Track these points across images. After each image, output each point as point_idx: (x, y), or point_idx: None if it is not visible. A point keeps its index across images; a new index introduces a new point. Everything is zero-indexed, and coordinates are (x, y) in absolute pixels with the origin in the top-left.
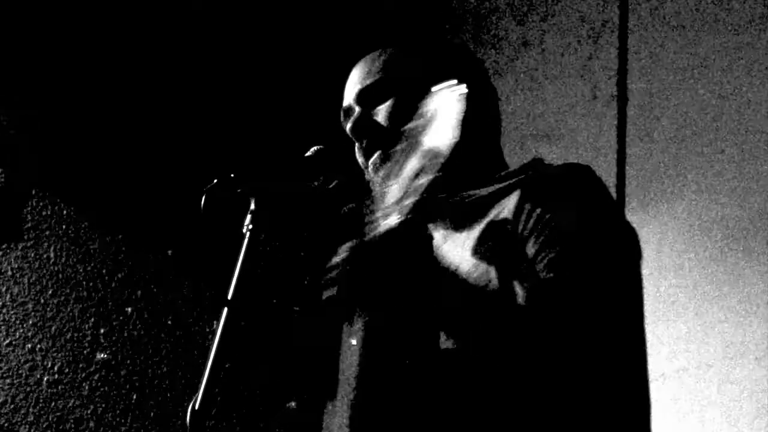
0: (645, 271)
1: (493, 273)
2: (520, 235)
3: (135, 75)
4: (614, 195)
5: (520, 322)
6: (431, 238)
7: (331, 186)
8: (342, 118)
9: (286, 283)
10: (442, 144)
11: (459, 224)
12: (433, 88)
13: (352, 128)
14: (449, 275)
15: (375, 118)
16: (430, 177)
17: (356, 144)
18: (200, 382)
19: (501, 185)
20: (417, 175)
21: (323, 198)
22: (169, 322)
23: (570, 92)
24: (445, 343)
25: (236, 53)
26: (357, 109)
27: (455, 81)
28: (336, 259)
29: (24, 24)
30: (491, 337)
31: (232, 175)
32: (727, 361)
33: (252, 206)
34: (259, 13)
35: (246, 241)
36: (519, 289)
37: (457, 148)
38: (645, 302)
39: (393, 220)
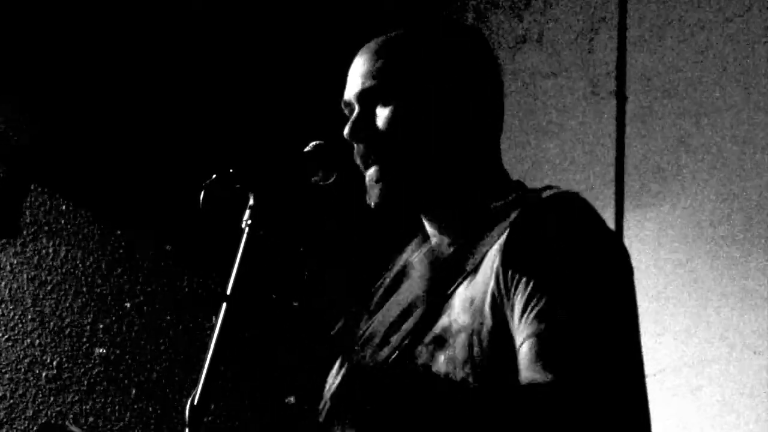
0: (647, 265)
1: (486, 309)
2: (510, 281)
3: (133, 70)
4: (613, 191)
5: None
6: (423, 368)
7: (330, 181)
8: (342, 107)
9: (285, 278)
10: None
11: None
12: None
13: (350, 130)
14: (442, 400)
15: (374, 120)
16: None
17: (354, 148)
18: (199, 378)
19: (491, 231)
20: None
21: (322, 193)
22: (168, 318)
23: (569, 88)
24: None
25: (235, 48)
26: (356, 108)
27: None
28: (328, 387)
29: (23, 21)
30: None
31: (230, 171)
32: (727, 356)
33: (251, 201)
34: (259, 6)
35: (245, 236)
36: (516, 343)
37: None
38: (647, 296)
39: (383, 354)
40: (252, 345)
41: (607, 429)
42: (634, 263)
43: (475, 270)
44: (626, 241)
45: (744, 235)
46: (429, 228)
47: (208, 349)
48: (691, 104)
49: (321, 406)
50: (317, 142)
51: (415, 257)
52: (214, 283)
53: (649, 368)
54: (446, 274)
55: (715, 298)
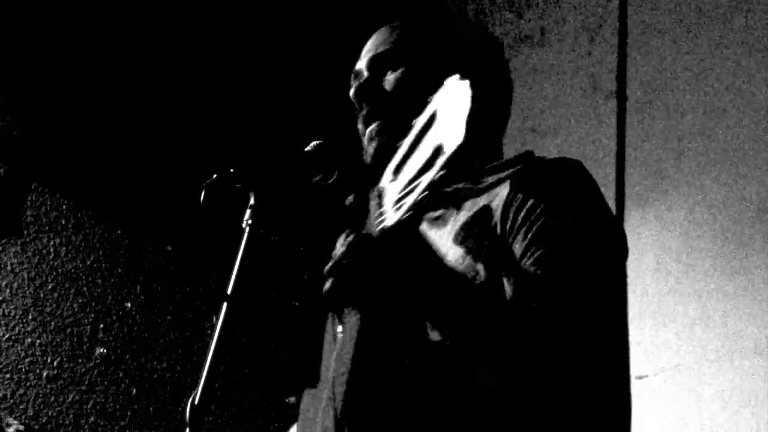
0: (647, 265)
1: (480, 265)
2: (509, 227)
3: (135, 71)
4: (613, 191)
5: (505, 317)
6: (424, 236)
7: (330, 181)
8: (352, 81)
9: (285, 277)
10: (447, 143)
11: (449, 215)
12: (445, 82)
13: (356, 91)
14: (438, 267)
15: (382, 84)
16: (432, 176)
17: (358, 111)
18: (200, 377)
19: (491, 179)
20: (419, 174)
21: (323, 193)
22: (169, 317)
23: (569, 88)
24: (432, 334)
25: (236, 49)
26: (366, 74)
27: (467, 80)
28: (333, 254)
29: (24, 20)
30: (477, 329)
31: (231, 171)
32: (728, 356)
33: (251, 201)
34: (259, 6)
35: (245, 236)
36: (506, 283)
37: (461, 146)
38: (646, 296)
39: (390, 219)
40: (252, 344)
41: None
42: (634, 264)
43: (473, 213)
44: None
45: (744, 235)
46: None
47: (208, 348)
48: (691, 104)
49: (326, 271)
50: (317, 141)
51: None
52: (215, 283)
53: (649, 368)
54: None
55: (716, 298)
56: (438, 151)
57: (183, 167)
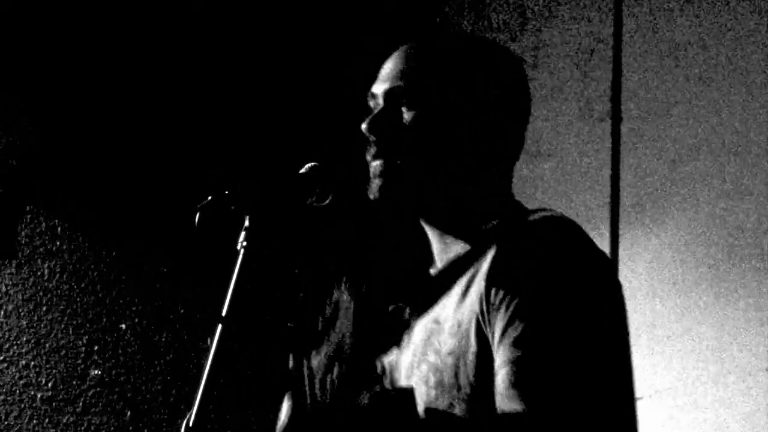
0: (640, 287)
1: (472, 334)
2: (492, 304)
3: (128, 94)
4: (608, 212)
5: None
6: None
7: (325, 203)
8: (368, 97)
9: (280, 299)
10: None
11: (440, 292)
12: None
13: (369, 123)
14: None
15: (395, 119)
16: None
17: (367, 139)
18: (194, 399)
19: (476, 247)
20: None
21: (318, 215)
22: (163, 339)
23: (563, 110)
24: None
25: (231, 71)
26: (381, 103)
27: None
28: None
29: (20, 39)
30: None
31: (226, 192)
32: (723, 378)
33: (246, 223)
34: (255, 26)
35: (240, 258)
36: (497, 358)
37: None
38: (642, 317)
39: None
40: (247, 366)
41: None
42: (629, 285)
43: (464, 293)
44: (621, 263)
45: (739, 257)
46: (430, 233)
47: (203, 370)
48: (686, 126)
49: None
50: (313, 163)
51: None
52: (210, 305)
53: (644, 390)
54: (432, 292)
55: (711, 319)
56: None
57: (178, 189)
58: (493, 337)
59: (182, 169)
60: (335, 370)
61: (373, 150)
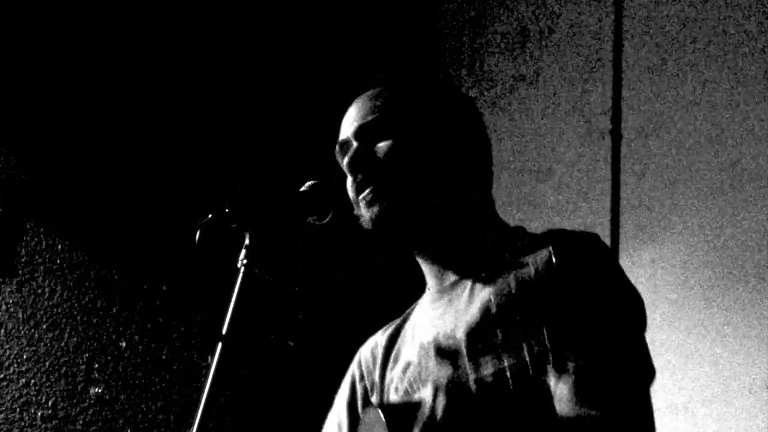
0: None
1: (518, 369)
2: (545, 310)
3: (128, 112)
4: (608, 229)
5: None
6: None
7: (325, 221)
8: (337, 150)
9: (280, 317)
10: None
11: (462, 288)
12: None
13: (350, 162)
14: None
15: (373, 153)
16: None
17: (349, 178)
18: (195, 417)
19: (501, 276)
20: None
21: (318, 232)
22: (164, 357)
23: (564, 127)
24: None
25: (232, 89)
26: (354, 144)
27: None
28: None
29: (18, 55)
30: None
31: (226, 210)
32: (723, 396)
33: (246, 241)
34: (256, 45)
35: (240, 275)
36: (551, 380)
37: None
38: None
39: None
40: (247, 384)
41: None
42: None
43: (504, 308)
44: None
45: (739, 274)
46: (427, 268)
47: (203, 388)
48: (686, 145)
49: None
50: (313, 181)
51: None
52: (210, 323)
53: None
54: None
55: (711, 337)
56: None
57: (178, 206)
58: (547, 348)
59: (183, 186)
60: None
61: (357, 185)
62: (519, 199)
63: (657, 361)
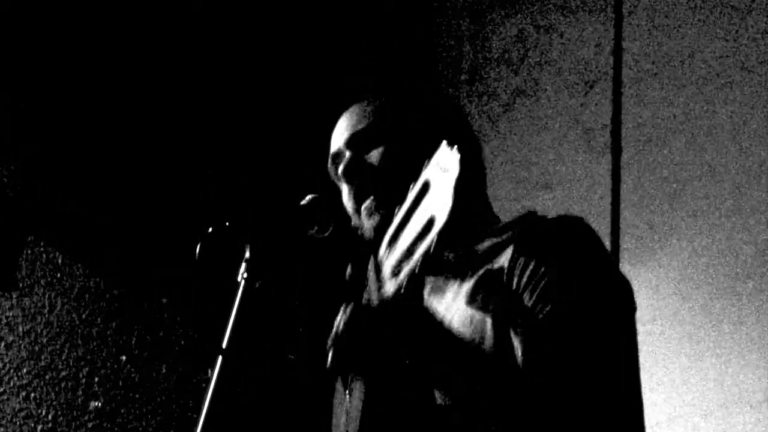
0: (641, 319)
1: (487, 325)
2: (515, 288)
3: (127, 124)
4: (608, 244)
5: (516, 376)
6: (424, 304)
7: (326, 234)
8: (330, 164)
9: (280, 331)
10: (439, 212)
11: (454, 278)
12: (437, 152)
13: (344, 171)
14: (442, 333)
15: (366, 161)
16: (427, 244)
17: (345, 188)
18: (194, 431)
19: (496, 240)
20: (415, 243)
21: (318, 246)
22: (164, 371)
23: (564, 141)
24: (439, 398)
25: (231, 102)
26: (347, 153)
27: (452, 148)
28: (334, 325)
29: (17, 61)
30: (486, 392)
31: (226, 224)
32: (723, 409)
33: (247, 254)
34: (255, 55)
35: (241, 289)
36: (516, 342)
37: (453, 212)
38: (641, 351)
39: (389, 289)
40: (248, 398)
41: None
42: None
43: (477, 279)
44: None
45: (738, 288)
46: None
47: (203, 402)
48: (686, 158)
49: (327, 344)
50: (313, 195)
51: None
52: (210, 337)
53: (645, 422)
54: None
55: (710, 352)
56: (431, 220)
57: (178, 220)
58: (515, 315)
59: (183, 200)
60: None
61: (354, 194)
62: (519, 212)
63: (657, 374)
